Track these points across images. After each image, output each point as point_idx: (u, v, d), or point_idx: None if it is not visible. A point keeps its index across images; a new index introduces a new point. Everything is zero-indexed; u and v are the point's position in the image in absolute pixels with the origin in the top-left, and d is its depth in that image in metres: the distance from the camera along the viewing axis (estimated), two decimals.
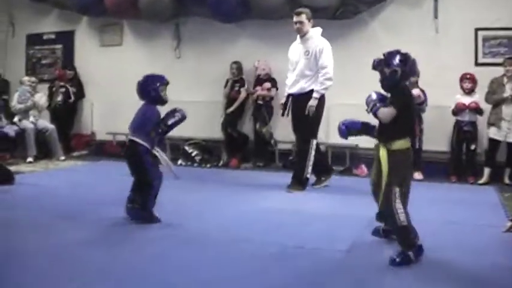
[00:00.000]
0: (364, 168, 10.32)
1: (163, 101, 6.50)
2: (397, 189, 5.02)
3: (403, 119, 5.12)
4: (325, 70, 8.51)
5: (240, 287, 4.31)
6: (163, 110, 6.47)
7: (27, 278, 4.36)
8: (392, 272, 4.72)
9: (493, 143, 9.47)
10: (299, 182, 8.58)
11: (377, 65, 5.27)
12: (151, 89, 6.44)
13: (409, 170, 5.47)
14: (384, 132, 5.18)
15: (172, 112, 6.40)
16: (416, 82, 9.59)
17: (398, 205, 5.00)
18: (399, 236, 5.07)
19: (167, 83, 6.55)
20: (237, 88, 11.69)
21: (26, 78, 12.49)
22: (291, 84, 8.76)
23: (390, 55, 5.27)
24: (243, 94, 11.63)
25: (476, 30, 10.36)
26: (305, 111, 8.47)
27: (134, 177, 6.45)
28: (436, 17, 10.56)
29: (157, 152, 6.37)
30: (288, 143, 11.10)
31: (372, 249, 5.38)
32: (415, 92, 9.53)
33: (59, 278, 4.37)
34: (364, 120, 5.70)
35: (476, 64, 10.32)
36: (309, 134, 8.66)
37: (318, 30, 8.76)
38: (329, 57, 8.59)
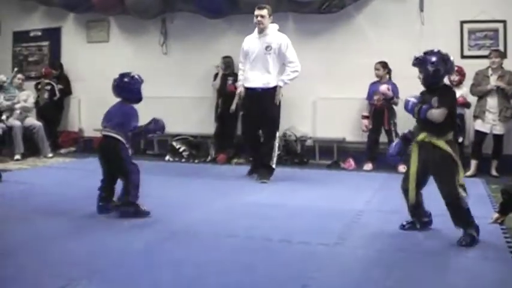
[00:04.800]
0: (351, 162, 10.35)
1: (141, 99, 6.73)
2: (461, 175, 5.45)
3: (452, 114, 5.47)
4: (294, 64, 8.92)
5: (226, 281, 4.31)
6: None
7: (13, 275, 4.35)
8: (380, 265, 4.75)
9: (479, 135, 9.53)
10: (268, 172, 8.95)
11: (418, 63, 5.51)
12: (134, 88, 6.63)
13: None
14: (436, 128, 5.42)
15: (156, 121, 6.76)
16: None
17: (460, 190, 5.41)
18: (463, 217, 5.42)
19: (142, 81, 6.76)
20: (230, 82, 11.61)
21: (2, 76, 12.29)
22: (252, 78, 9.03)
23: (432, 54, 5.47)
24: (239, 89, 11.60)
25: (462, 22, 10.42)
26: (271, 105, 8.87)
27: (108, 171, 6.55)
28: (421, 9, 10.60)
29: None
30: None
31: (359, 242, 5.39)
32: (382, 87, 9.74)
33: (45, 275, 4.37)
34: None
35: (462, 57, 10.34)
36: (276, 127, 9.10)
37: (275, 26, 9.11)
38: (294, 52, 8.99)
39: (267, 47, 8.86)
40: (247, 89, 9.11)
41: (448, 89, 5.66)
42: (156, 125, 6.72)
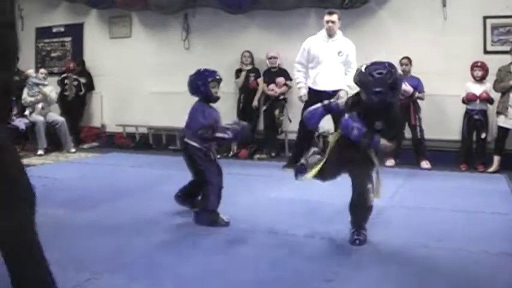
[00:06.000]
0: None
1: (212, 98, 6.12)
2: (374, 175, 5.11)
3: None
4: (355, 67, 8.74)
5: (250, 276, 4.33)
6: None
7: None
8: (403, 261, 4.75)
9: (502, 131, 9.46)
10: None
11: (360, 86, 4.84)
12: (201, 83, 6.06)
13: None
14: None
15: (227, 128, 5.99)
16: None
17: (370, 186, 5.13)
18: (365, 214, 5.26)
19: (219, 80, 6.21)
20: (252, 78, 11.65)
21: (31, 71, 12.48)
22: (322, 82, 9.25)
23: (379, 79, 4.64)
24: (261, 85, 11.62)
25: (485, 18, 10.33)
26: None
27: (194, 177, 6.26)
28: (444, 5, 10.53)
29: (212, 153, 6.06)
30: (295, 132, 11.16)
31: (382, 238, 5.38)
32: (403, 87, 9.64)
33: (70, 268, 4.41)
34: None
35: (485, 52, 10.29)
36: None
37: (340, 31, 9.28)
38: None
39: (339, 52, 9.10)
40: (315, 91, 9.25)
41: (396, 114, 5.02)
42: (235, 135, 6.02)
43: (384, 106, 4.76)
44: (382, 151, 5.03)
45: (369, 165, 5.08)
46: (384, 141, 4.80)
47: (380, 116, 4.79)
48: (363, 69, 4.79)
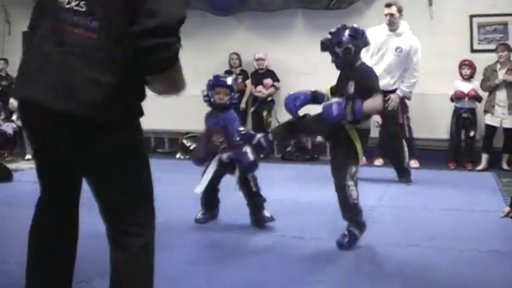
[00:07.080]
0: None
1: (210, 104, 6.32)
2: (353, 168, 5.03)
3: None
4: (417, 72, 8.40)
5: (241, 278, 4.33)
6: None
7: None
8: (394, 260, 4.77)
9: (490, 129, 9.52)
10: (406, 175, 8.46)
11: (326, 47, 5.08)
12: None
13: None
14: None
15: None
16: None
17: (351, 182, 5.02)
18: (350, 212, 5.12)
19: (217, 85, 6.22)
20: (240, 80, 11.63)
21: None
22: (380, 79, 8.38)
23: (339, 32, 5.01)
24: (249, 87, 11.64)
25: (471, 16, 10.38)
26: (389, 107, 8.27)
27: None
28: (430, 4, 10.57)
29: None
30: None
31: (372, 238, 5.38)
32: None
33: None
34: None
35: (472, 51, 10.34)
36: (396, 128, 8.60)
37: (407, 25, 8.53)
38: (420, 59, 8.41)
39: (396, 48, 8.26)
40: None
41: (368, 70, 5.20)
42: None
43: (351, 65, 5.06)
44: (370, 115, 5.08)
45: (347, 160, 5.05)
46: (366, 104, 4.82)
47: (350, 77, 4.98)
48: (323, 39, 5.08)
